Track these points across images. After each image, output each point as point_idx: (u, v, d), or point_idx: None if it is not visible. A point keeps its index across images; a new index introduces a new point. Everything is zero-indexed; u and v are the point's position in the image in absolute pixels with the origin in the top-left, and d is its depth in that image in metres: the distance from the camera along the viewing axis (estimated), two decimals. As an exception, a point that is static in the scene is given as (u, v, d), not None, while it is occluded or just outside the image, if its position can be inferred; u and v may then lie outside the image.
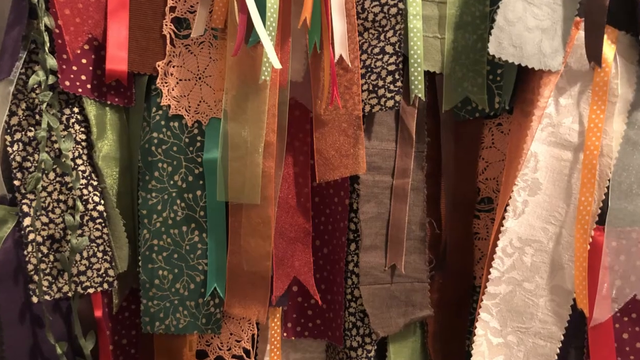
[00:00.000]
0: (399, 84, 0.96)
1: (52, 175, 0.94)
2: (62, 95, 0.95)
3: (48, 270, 0.93)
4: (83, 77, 0.94)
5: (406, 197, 0.99)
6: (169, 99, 0.97)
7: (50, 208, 0.94)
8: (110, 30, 0.94)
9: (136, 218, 1.01)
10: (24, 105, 0.92)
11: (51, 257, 0.94)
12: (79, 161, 0.95)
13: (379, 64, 0.97)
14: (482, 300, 0.94)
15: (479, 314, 0.94)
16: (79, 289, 0.95)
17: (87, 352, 0.96)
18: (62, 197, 0.94)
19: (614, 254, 0.91)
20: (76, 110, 0.95)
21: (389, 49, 0.97)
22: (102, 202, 0.96)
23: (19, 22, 0.90)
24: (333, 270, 1.02)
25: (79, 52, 0.94)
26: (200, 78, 0.98)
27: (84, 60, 0.94)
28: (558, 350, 0.93)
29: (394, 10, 0.96)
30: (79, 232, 0.94)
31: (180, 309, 0.99)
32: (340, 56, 0.94)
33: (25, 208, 0.92)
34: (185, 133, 0.98)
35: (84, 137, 0.96)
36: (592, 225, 0.91)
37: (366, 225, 0.99)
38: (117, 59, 0.94)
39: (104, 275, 0.96)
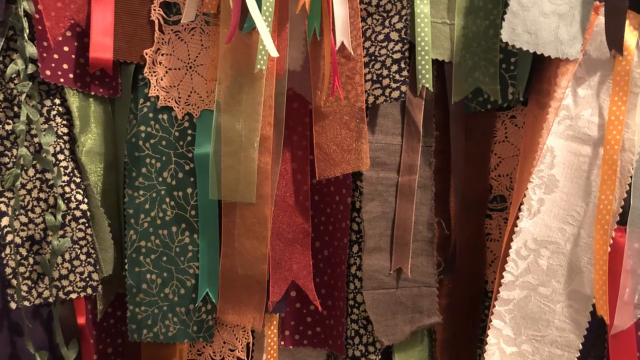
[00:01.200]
0: (404, 73, 0.96)
1: (31, 171, 0.93)
2: (42, 86, 0.94)
3: (27, 274, 0.93)
4: (65, 66, 0.94)
5: (413, 195, 0.99)
6: (158, 90, 0.97)
7: (29, 207, 0.93)
8: (94, 16, 0.94)
9: (122, 218, 1.01)
10: (1, 97, 0.92)
11: (31, 260, 0.93)
12: (60, 156, 0.95)
13: (383, 51, 0.97)
14: (494, 306, 0.95)
15: (491, 321, 0.95)
16: (60, 294, 0.94)
17: (70, 362, 0.96)
18: (42, 195, 0.94)
19: (637, 257, 0.91)
20: (58, 101, 0.95)
21: (394, 35, 0.96)
22: (86, 200, 0.96)
23: (-5, 7, 0.90)
24: (334, 274, 1.02)
25: (60, 39, 0.93)
26: (191, 67, 0.97)
27: (66, 48, 0.94)
28: (576, 360, 0.93)
29: (399, -6, 0.96)
30: (61, 232, 0.94)
31: (170, 315, 0.98)
32: (342, 43, 0.94)
33: (2, 207, 0.92)
34: (175, 126, 0.98)
35: (66, 130, 0.96)
36: (612, 225, 0.92)
37: (370, 226, 0.98)
38: (102, 46, 0.94)
39: (87, 279, 0.96)
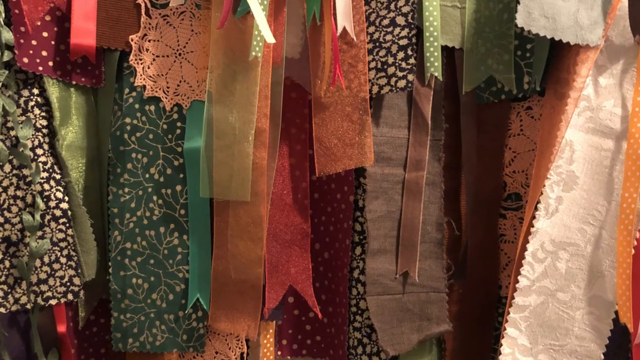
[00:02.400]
0: (411, 61, 0.95)
1: (7, 167, 0.94)
2: (19, 75, 0.95)
3: (3, 279, 0.93)
4: (44, 53, 0.94)
5: (420, 193, 0.99)
6: (144, 79, 0.97)
7: (5, 206, 0.93)
8: (75, -2, 0.94)
9: (106, 217, 1.01)
10: (-26, 87, 0.92)
11: (7, 263, 0.94)
12: (39, 151, 0.94)
13: (388, 37, 0.96)
14: (508, 313, 0.94)
15: (505, 329, 0.95)
16: (39, 300, 0.94)
17: (49, 373, 0.96)
18: (19, 193, 0.94)
19: (663, 259, 0.91)
20: (36, 91, 0.95)
21: (400, 20, 0.96)
22: (66, 198, 0.96)
23: (-32, -11, 0.90)
24: (335, 278, 1.02)
25: (39, 23, 0.94)
26: (180, 54, 0.97)
27: (45, 34, 0.94)
28: (597, 371, 0.93)
29: (406, -25, 0.96)
30: (40, 233, 0.94)
31: (157, 323, 0.99)
32: (344, 29, 0.94)
33: (-24, 206, 0.92)
34: (163, 118, 0.98)
35: (45, 123, 0.96)
36: (637, 225, 0.91)
37: (374, 226, 0.98)
38: (84, 31, 0.95)
39: (68, 284, 0.96)
